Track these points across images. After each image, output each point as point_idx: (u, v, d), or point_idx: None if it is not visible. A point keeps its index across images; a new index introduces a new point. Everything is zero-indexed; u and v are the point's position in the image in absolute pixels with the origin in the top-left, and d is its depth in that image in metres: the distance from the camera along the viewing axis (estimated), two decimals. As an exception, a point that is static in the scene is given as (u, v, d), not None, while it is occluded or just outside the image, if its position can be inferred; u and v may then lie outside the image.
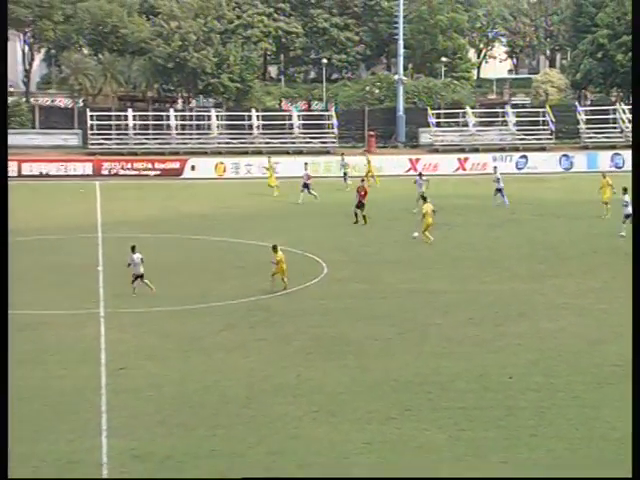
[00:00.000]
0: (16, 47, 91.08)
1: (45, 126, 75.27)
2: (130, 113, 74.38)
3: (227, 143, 74.58)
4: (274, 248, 34.96)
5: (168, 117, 75.61)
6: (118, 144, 72.31)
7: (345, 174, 61.24)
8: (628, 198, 43.19)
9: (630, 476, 16.75)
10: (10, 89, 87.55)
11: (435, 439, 22.10)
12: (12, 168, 63.44)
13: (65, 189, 60.28)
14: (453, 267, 39.43)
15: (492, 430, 22.36)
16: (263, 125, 76.23)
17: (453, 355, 27.75)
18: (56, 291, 35.11)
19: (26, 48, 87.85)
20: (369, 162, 62.96)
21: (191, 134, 75.76)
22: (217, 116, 76.49)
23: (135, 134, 73.59)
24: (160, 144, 73.00)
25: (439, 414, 23.52)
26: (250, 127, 76.11)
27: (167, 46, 79.19)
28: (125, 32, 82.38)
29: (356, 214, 48.10)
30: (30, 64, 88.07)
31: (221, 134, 75.44)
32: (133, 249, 34.82)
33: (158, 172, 66.81)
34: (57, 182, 63.09)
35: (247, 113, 76.83)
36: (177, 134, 74.80)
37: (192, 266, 39.52)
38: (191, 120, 77.33)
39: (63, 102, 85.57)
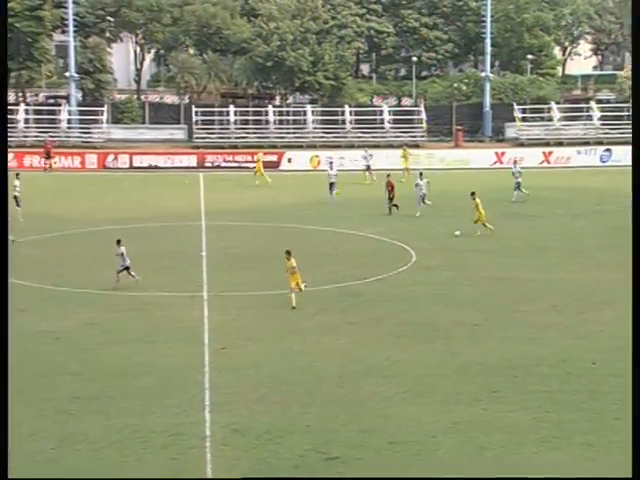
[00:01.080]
0: (128, 48, 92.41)
1: (154, 121, 76.28)
2: (232, 109, 74.91)
3: (321, 137, 74.62)
4: (288, 253, 31.45)
5: (267, 113, 75.98)
6: (220, 138, 72.89)
7: (368, 167, 60.29)
8: None
9: (630, 476, 15.84)
10: (123, 87, 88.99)
11: (520, 420, 21.79)
12: (124, 160, 64.54)
13: (171, 180, 61.01)
14: (538, 256, 38.85)
15: (575, 413, 21.97)
16: (355, 120, 76.12)
17: (537, 341, 27.33)
18: (164, 275, 35.55)
19: (137, 49, 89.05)
20: (406, 157, 62.21)
21: (288, 129, 76.02)
22: (312, 111, 76.62)
23: (236, 128, 74.10)
24: (259, 138, 73.41)
25: (524, 397, 23.19)
26: (343, 122, 76.08)
27: (266, 46, 79.51)
28: (228, 33, 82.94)
29: (390, 208, 47.94)
30: (141, 64, 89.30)
31: (316, 128, 75.53)
32: (119, 242, 33.47)
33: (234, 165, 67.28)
34: (164, 173, 63.88)
35: (340, 109, 76.77)
36: (275, 129, 75.13)
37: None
38: (288, 115, 77.62)
39: (170, 99, 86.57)
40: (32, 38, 75.21)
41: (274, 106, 79.30)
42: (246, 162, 66.74)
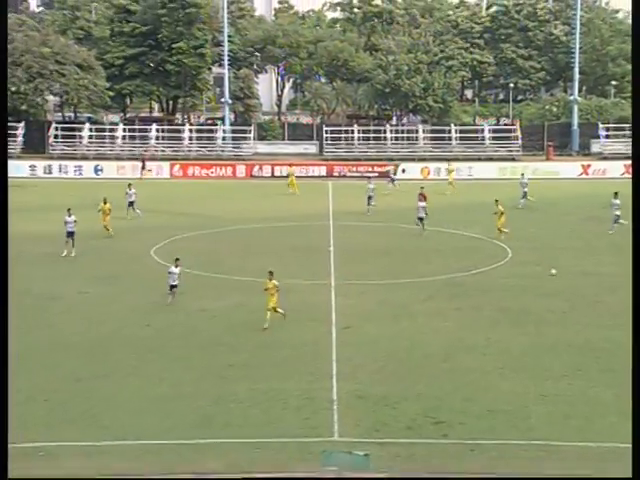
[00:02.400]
0: (272, 78, 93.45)
1: (291, 138, 76.92)
2: (355, 128, 74.95)
3: (430, 151, 73.96)
4: (270, 274, 26.88)
5: (385, 131, 75.73)
6: (346, 152, 73.04)
7: (370, 197, 50.46)
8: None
9: (630, 476, 14.51)
10: (266, 110, 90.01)
11: (602, 395, 21.23)
12: (267, 170, 65.33)
13: (305, 187, 61.44)
14: (621, 254, 37.60)
15: (651, 390, 21.18)
16: (460, 137, 75.18)
17: (619, 327, 26.48)
18: (298, 265, 35.85)
19: (279, 79, 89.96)
20: (451, 171, 60.08)
21: (402, 144, 75.59)
22: (423, 130, 76.02)
23: (359, 144, 74.08)
24: (378, 152, 73.21)
25: (606, 375, 22.56)
26: (449, 139, 75.22)
27: (385, 75, 79.26)
28: (353, 64, 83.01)
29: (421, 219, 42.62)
30: (282, 91, 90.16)
31: (426, 144, 74.91)
32: (176, 261, 29.88)
33: (376, 174, 67.04)
34: (299, 182, 64.39)
35: (447, 127, 75.94)
36: (391, 144, 74.79)
37: (402, 249, 39.46)
38: (402, 133, 77.16)
39: (305, 119, 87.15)
40: (196, 71, 76.92)
41: (391, 125, 78.98)
42: (367, 172, 66.68)
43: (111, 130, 70.70)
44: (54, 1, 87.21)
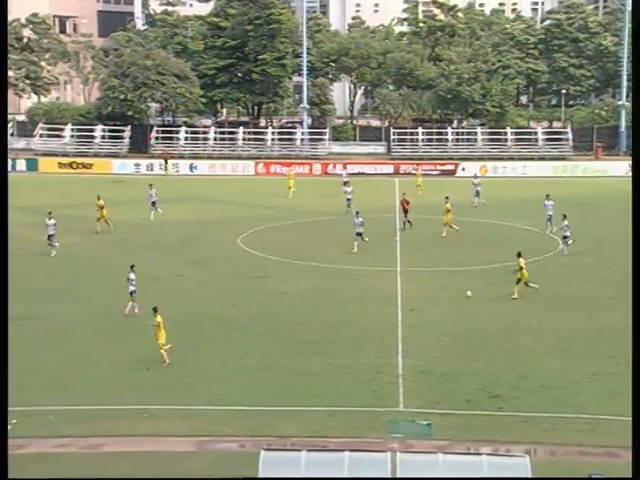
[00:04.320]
0: (345, 86, 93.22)
1: (362, 139, 76.56)
2: (420, 130, 74.13)
3: (488, 152, 72.68)
4: (154, 310, 22.48)
5: (446, 133, 74.72)
6: (411, 152, 72.33)
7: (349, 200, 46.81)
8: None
9: (630, 476, 13.89)
10: (340, 114, 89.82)
11: (647, 375, 20.50)
12: (340, 168, 65.04)
13: (374, 183, 61.08)
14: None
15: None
16: (515, 139, 73.72)
17: (662, 313, 25.62)
18: (367, 253, 35.66)
19: (351, 86, 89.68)
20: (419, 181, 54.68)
21: (462, 145, 74.46)
22: (481, 132, 74.77)
23: (423, 145, 73.28)
24: (440, 152, 72.28)
25: (650, 357, 21.79)
26: (505, 140, 73.81)
27: (447, 83, 78.21)
28: (418, 73, 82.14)
29: (405, 222, 40.57)
30: (354, 97, 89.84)
31: (484, 145, 73.65)
32: (132, 267, 26.62)
33: (439, 172, 66.36)
34: (369, 178, 64.07)
35: (503, 130, 74.53)
36: (452, 145, 73.74)
37: (461, 240, 38.89)
38: (462, 135, 76.03)
39: (374, 123, 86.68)
40: (278, 80, 77.31)
41: (452, 128, 77.90)
42: (430, 170, 65.91)
43: (204, 132, 71.50)
44: (156, 20, 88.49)
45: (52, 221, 34.74)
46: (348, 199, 45.56)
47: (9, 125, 67.96)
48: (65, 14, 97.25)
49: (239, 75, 77.09)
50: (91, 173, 61.35)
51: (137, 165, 63.92)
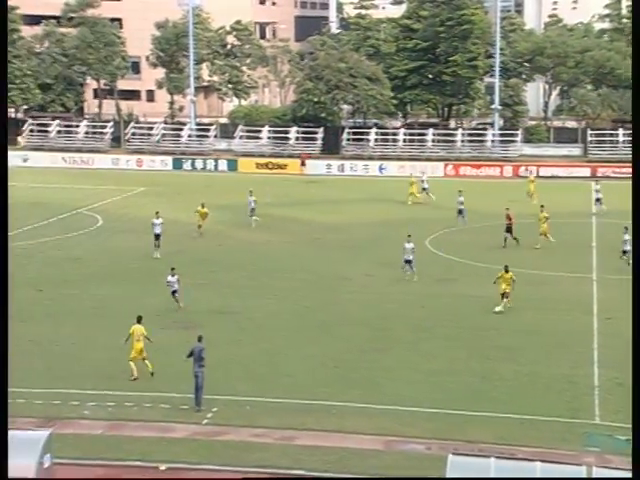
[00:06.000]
0: (539, 86, 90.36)
1: (556, 141, 73.74)
2: (620, 132, 70.23)
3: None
4: (138, 320, 21.53)
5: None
6: (610, 154, 68.71)
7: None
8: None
9: (630, 476, 13.06)
10: (533, 115, 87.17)
11: None
12: (532, 170, 63.05)
13: (568, 187, 58.63)
14: None
15: None
16: None
17: None
18: (561, 259, 34.25)
19: (546, 87, 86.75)
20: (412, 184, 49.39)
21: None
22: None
23: (623, 147, 69.30)
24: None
25: None
26: None
27: (652, 81, 73.52)
28: (620, 72, 77.85)
29: (505, 238, 36.56)
30: (548, 97, 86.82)
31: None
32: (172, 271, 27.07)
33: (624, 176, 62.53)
34: (562, 182, 61.64)
35: None
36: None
37: None
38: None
39: (570, 124, 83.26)
40: (469, 81, 76.31)
41: (656, 129, 73.16)
42: (629, 174, 62.27)
43: (393, 134, 71.95)
44: (350, 24, 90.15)
45: (159, 220, 34.16)
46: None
47: (212, 127, 72.09)
48: (265, 20, 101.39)
49: (430, 77, 76.87)
50: (285, 173, 63.64)
51: (329, 166, 65.45)
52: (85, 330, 23.09)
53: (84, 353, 20.96)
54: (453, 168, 64.91)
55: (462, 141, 70.67)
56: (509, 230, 36.65)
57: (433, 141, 70.24)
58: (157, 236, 34.27)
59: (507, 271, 26.91)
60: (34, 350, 23.25)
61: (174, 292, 27.10)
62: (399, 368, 22.19)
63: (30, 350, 23.23)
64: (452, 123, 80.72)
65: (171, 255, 34.27)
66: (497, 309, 26.61)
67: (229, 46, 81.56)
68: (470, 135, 72.22)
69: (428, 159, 67.00)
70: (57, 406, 19.47)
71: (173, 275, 27.14)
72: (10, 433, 14.35)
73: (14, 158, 64.77)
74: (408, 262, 31.20)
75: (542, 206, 38.27)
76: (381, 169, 64.89)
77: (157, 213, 35.35)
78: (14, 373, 21.29)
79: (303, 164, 64.61)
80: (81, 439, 17.77)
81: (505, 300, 26.71)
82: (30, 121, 71.76)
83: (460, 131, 72.87)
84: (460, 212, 42.05)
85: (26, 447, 14.01)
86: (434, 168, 64.75)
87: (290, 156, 67.33)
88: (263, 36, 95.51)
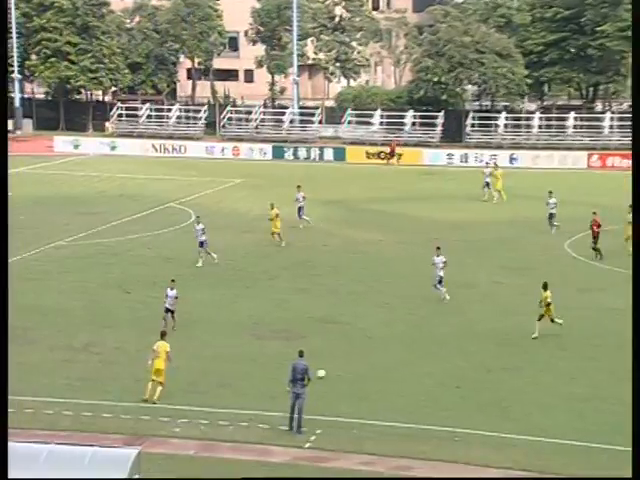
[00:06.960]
0: None
1: None
2: None
3: None
4: (162, 335, 21.94)
5: None
6: None
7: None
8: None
9: (630, 476, 13.75)
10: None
11: None
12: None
13: None
14: None
15: None
16: None
17: None
18: None
19: None
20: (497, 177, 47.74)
21: None
22: None
23: None
24: None
25: None
26: None
27: None
28: None
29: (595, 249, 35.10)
30: None
31: None
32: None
33: None
34: None
35: None
36: None
37: None
38: None
39: None
40: (620, 56, 73.69)
41: None
42: None
43: (527, 119, 70.70)
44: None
45: (200, 226, 33.63)
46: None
47: (317, 112, 72.79)
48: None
49: (572, 51, 74.95)
50: (399, 164, 63.59)
51: (450, 155, 65.01)
52: (175, 337, 23.82)
53: (174, 363, 21.62)
54: (599, 159, 63.22)
55: (610, 127, 68.74)
56: (595, 239, 35.03)
57: (575, 127, 68.69)
58: (201, 244, 33.57)
59: (545, 289, 25.62)
60: (120, 359, 24.16)
61: (169, 310, 25.67)
62: (532, 391, 21.89)
63: (116, 359, 24.16)
64: (599, 106, 78.57)
65: (268, 257, 34.87)
66: (533, 335, 25.55)
67: (337, 19, 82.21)
68: (620, 120, 69.84)
69: (569, 148, 65.56)
70: (146, 422, 20.18)
71: (172, 289, 26.00)
72: (96, 450, 15.00)
73: (101, 146, 67.70)
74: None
75: (630, 206, 35.78)
76: (512, 159, 63.91)
77: (197, 217, 35.23)
78: (99, 384, 22.28)
79: (392, 154, 63.60)
80: (172, 460, 18.35)
81: (537, 322, 25.48)
82: (119, 104, 74.48)
83: (608, 115, 70.84)
84: (550, 217, 39.79)
85: (113, 466, 14.60)
86: (576, 159, 63.34)
87: (405, 144, 67.25)
88: (376, 7, 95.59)
